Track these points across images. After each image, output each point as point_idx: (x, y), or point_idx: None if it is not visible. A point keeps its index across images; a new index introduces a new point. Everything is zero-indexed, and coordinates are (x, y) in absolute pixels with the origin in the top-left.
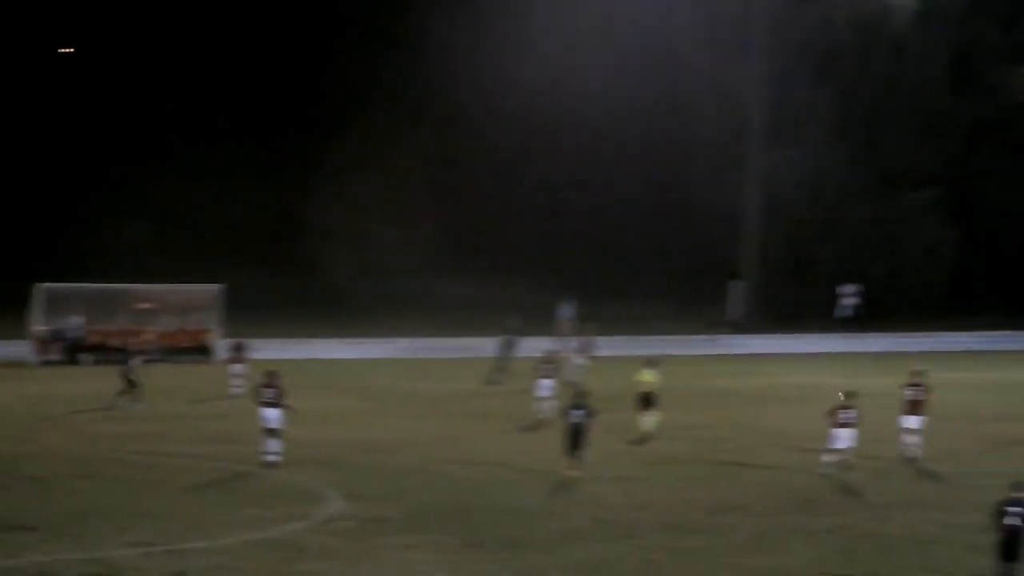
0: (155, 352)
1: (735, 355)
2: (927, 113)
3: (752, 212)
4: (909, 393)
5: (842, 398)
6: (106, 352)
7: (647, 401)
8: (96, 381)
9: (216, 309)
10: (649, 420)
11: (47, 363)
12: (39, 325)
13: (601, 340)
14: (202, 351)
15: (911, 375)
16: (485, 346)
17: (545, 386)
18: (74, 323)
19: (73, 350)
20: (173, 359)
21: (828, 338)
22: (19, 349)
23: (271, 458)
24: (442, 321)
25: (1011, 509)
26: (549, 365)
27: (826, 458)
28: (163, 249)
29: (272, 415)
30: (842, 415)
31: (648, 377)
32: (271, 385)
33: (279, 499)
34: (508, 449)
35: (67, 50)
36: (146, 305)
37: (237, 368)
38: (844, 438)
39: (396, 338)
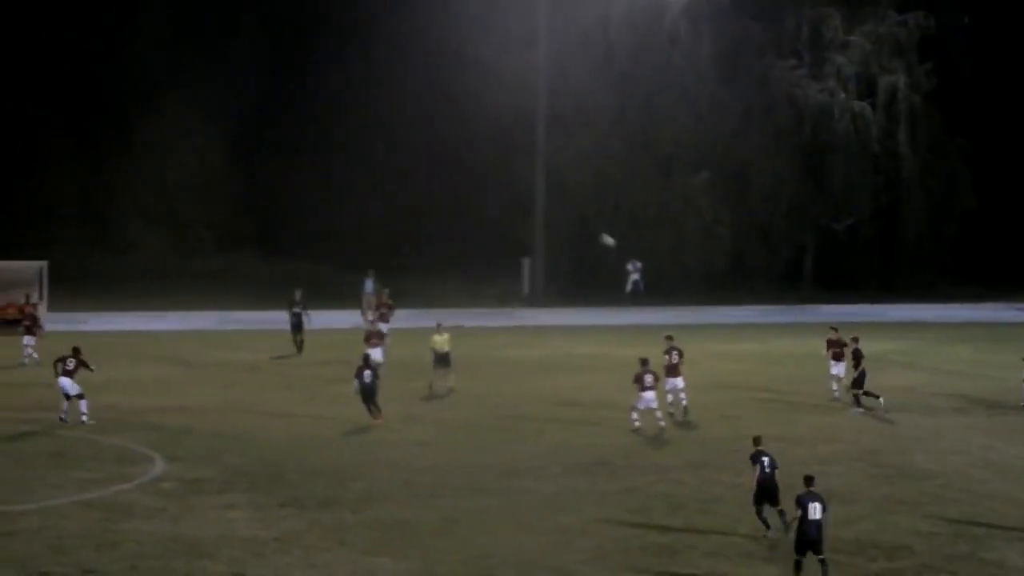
0: None
1: (526, 327)
2: (698, 102)
3: (540, 193)
4: (666, 358)
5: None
6: None
7: (442, 360)
8: None
9: (40, 284)
10: (444, 378)
11: None
12: None
13: (400, 313)
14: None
15: (665, 340)
16: (286, 319)
17: (376, 354)
18: None
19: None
20: (2, 331)
21: (614, 312)
22: None
23: (84, 419)
24: (248, 296)
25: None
26: (375, 335)
27: (634, 415)
28: None
29: (68, 383)
30: (645, 379)
31: (440, 340)
32: (72, 358)
33: (104, 462)
34: (317, 414)
35: None
36: None
37: (28, 339)
38: (648, 399)
39: (206, 311)
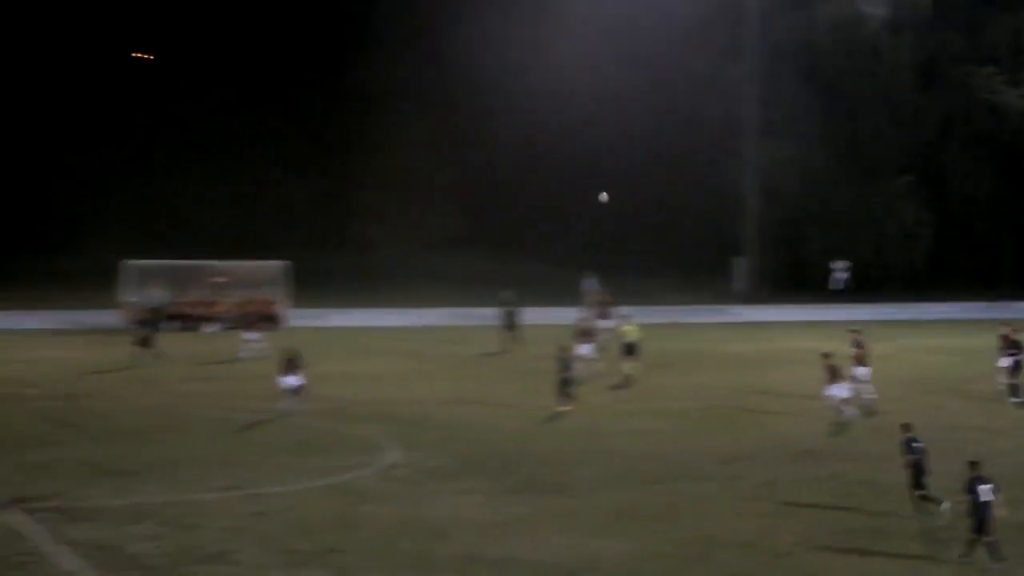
0: (229, 320)
1: (738, 323)
2: (899, 109)
3: (750, 196)
4: (854, 350)
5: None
6: (186, 320)
7: (629, 350)
8: (179, 346)
9: (281, 283)
10: (630, 366)
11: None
12: (128, 296)
13: (620, 310)
14: (270, 319)
15: (851, 333)
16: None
17: (584, 350)
18: (157, 296)
19: (156, 320)
20: (244, 327)
21: (821, 308)
22: (111, 318)
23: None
24: (477, 293)
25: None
26: (586, 332)
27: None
28: (236, 231)
29: (290, 380)
30: (835, 371)
31: (630, 330)
32: (293, 359)
33: (344, 450)
34: (543, 405)
35: (144, 56)
36: (220, 279)
37: (251, 335)
38: (840, 390)
39: (437, 307)
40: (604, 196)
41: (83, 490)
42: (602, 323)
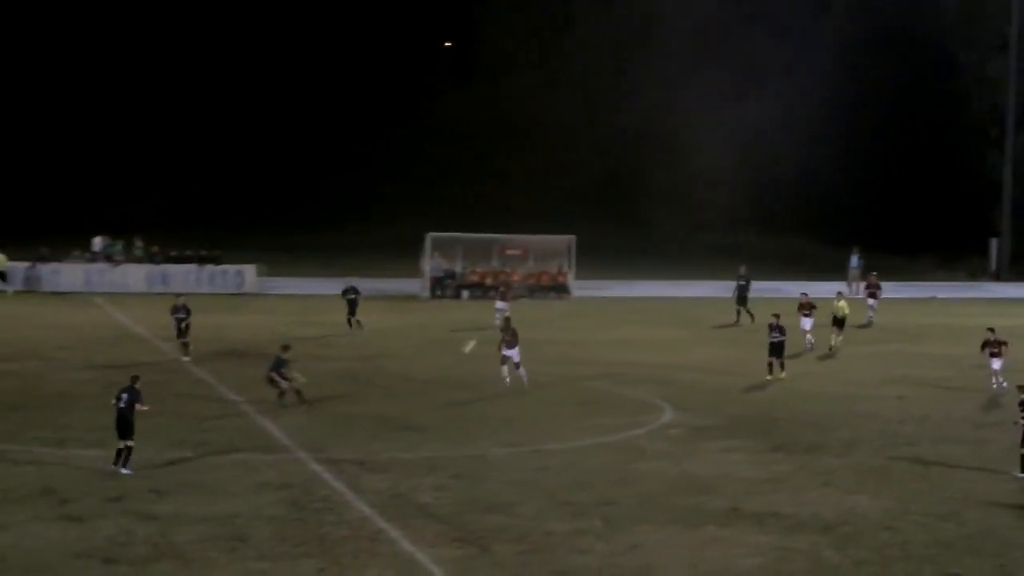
0: (522, 290)
1: (994, 299)
2: None
3: (1007, 182)
4: None
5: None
6: (481, 289)
7: (839, 323)
8: (473, 313)
9: (570, 256)
10: (836, 338)
11: (436, 298)
12: (425, 266)
13: (884, 286)
14: (559, 290)
15: None
16: (779, 288)
17: (806, 323)
18: (435, 263)
19: (456, 288)
20: (536, 296)
21: None
22: (413, 286)
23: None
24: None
25: None
26: (808, 306)
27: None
28: (529, 207)
29: (512, 352)
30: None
31: (840, 306)
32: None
33: (622, 410)
34: (804, 372)
35: (446, 44)
36: (514, 251)
37: (502, 304)
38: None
39: (713, 281)
40: None
41: (378, 443)
42: (870, 301)
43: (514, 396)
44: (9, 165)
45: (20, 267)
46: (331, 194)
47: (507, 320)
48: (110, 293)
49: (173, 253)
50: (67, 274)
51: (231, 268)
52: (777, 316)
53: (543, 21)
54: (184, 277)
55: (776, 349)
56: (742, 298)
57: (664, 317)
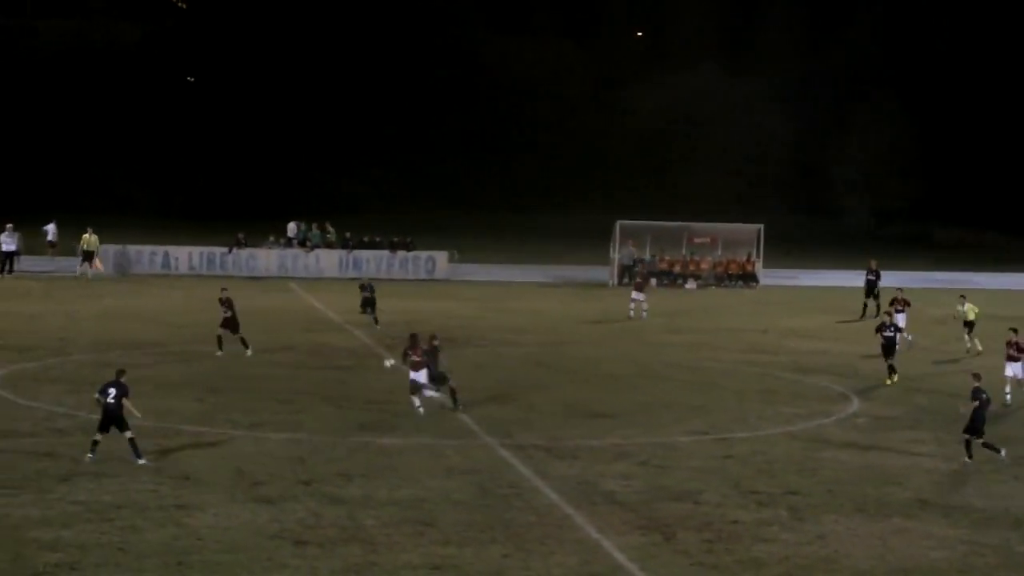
0: (709, 278)
1: None
2: None
3: None
4: None
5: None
6: (670, 277)
7: (969, 326)
8: (660, 301)
9: (758, 244)
10: (972, 341)
11: (623, 285)
12: (616, 254)
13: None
14: (748, 278)
15: None
16: (969, 280)
17: (900, 319)
18: (627, 250)
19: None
20: (724, 284)
21: None
22: (602, 274)
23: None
24: (939, 259)
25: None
26: (903, 302)
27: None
28: (719, 195)
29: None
30: None
31: (970, 308)
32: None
33: (807, 399)
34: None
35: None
36: (702, 239)
37: (638, 295)
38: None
39: (899, 272)
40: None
41: (565, 430)
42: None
43: (700, 384)
44: (209, 155)
45: (217, 252)
46: (522, 181)
47: (414, 337)
48: (303, 278)
49: (365, 239)
50: (262, 259)
51: (423, 254)
52: (889, 314)
53: (729, 8)
54: (376, 263)
55: (886, 349)
56: (871, 292)
57: (851, 306)
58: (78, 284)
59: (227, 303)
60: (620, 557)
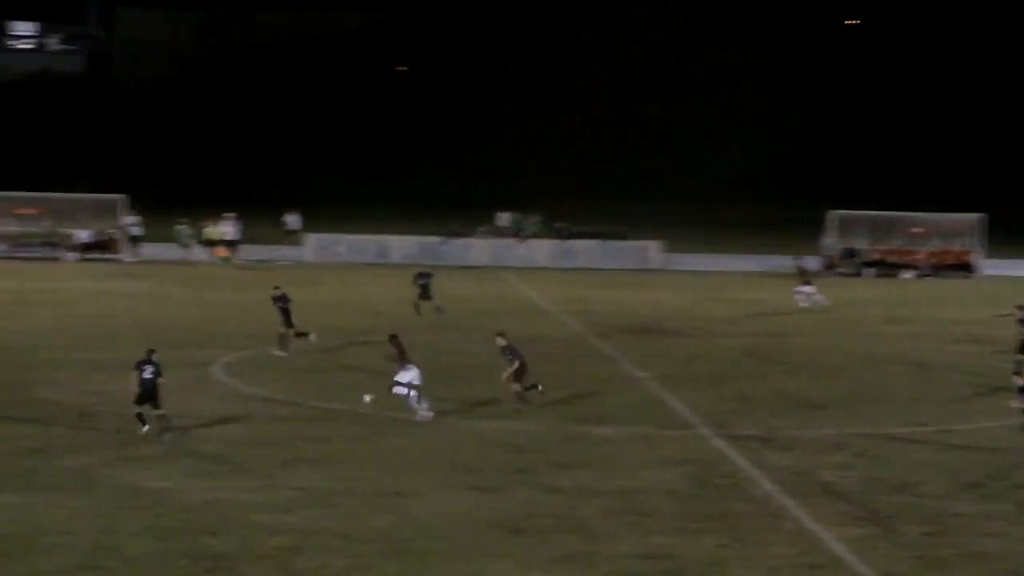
0: (925, 268)
1: None
2: None
3: None
4: None
5: None
6: (884, 267)
7: None
8: (876, 290)
9: (978, 234)
10: None
11: (838, 275)
12: (831, 244)
13: None
14: (965, 268)
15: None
16: None
17: None
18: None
19: (858, 265)
20: (940, 274)
21: None
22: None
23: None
24: None
25: None
26: None
27: None
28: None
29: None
30: None
31: None
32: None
33: None
34: None
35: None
36: (918, 229)
37: (806, 288)
38: None
39: None
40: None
41: (780, 420)
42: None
43: (920, 375)
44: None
45: (431, 242)
46: (733, 170)
47: (393, 337)
48: (516, 268)
49: (577, 229)
50: (477, 249)
51: (635, 244)
52: (1021, 307)
53: None
54: (588, 252)
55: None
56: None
57: None
58: (294, 273)
59: (281, 299)
60: (839, 549)
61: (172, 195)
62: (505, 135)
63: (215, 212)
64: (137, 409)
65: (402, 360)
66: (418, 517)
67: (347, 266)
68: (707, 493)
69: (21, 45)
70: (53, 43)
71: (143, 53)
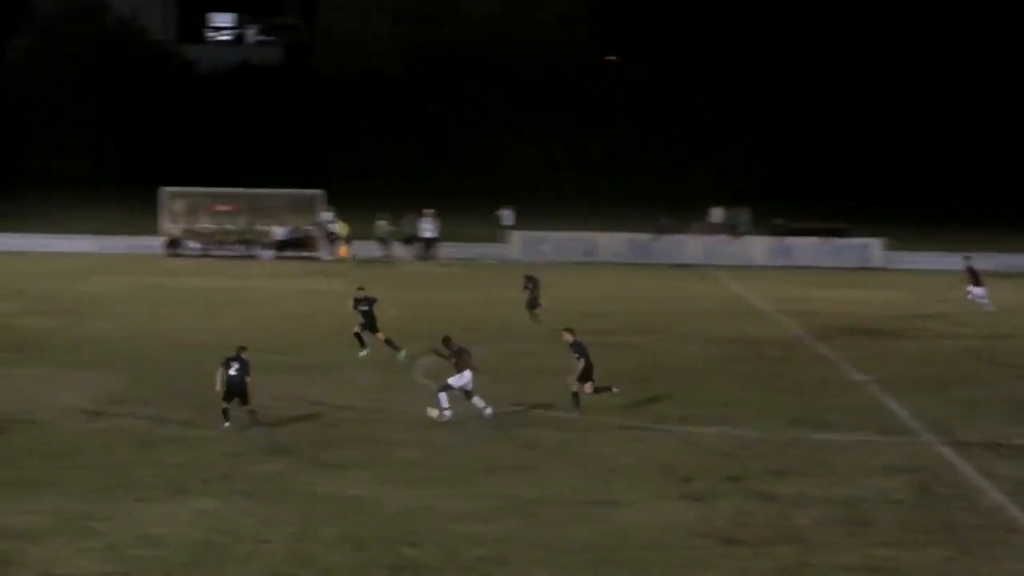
0: None
1: None
2: None
3: None
4: None
5: None
6: None
7: None
8: None
9: None
10: None
11: None
12: None
13: None
14: None
15: None
16: None
17: None
18: None
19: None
20: None
21: None
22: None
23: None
24: None
25: None
26: None
27: None
28: None
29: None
30: None
31: None
32: None
33: None
34: None
35: None
36: None
37: (977, 291)
38: None
39: None
40: None
41: (1011, 427)
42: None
43: None
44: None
45: (642, 239)
46: (956, 166)
47: (447, 339)
48: (729, 266)
49: (795, 225)
50: (688, 246)
51: (857, 242)
52: None
53: None
54: (807, 250)
55: None
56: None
57: None
58: (496, 271)
59: (364, 301)
60: None
61: (367, 191)
62: (717, 123)
63: (415, 208)
64: (224, 405)
65: (458, 364)
66: (625, 526)
67: (555, 265)
68: (931, 503)
69: (220, 37)
70: (251, 35)
71: (345, 43)
